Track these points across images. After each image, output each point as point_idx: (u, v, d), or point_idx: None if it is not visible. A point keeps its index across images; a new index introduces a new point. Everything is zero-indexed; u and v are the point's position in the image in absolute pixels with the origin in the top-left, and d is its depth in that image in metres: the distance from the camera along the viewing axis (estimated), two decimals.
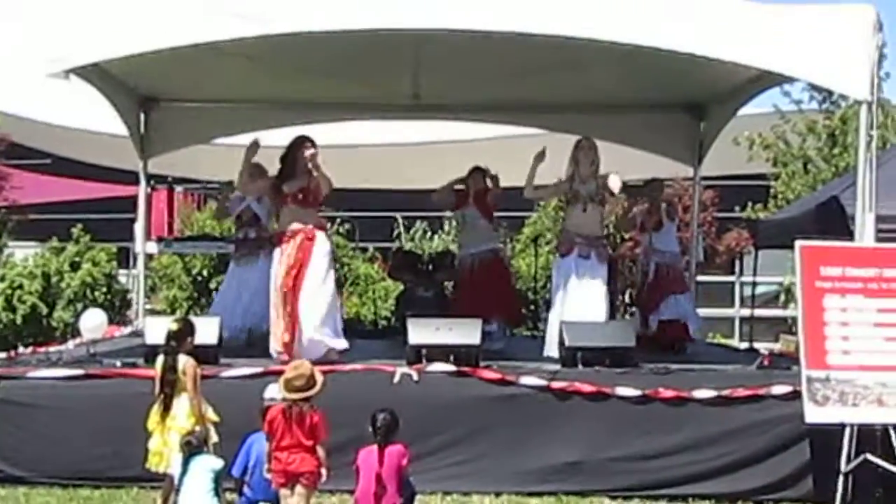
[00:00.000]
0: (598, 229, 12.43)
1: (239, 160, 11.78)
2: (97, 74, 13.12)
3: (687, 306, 13.78)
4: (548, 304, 13.07)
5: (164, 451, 8.57)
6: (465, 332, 10.27)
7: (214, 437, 8.59)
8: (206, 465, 8.09)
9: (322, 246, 11.13)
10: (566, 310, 11.68)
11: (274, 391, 8.74)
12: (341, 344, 10.94)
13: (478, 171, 13.64)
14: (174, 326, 8.86)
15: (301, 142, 11.37)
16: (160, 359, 8.73)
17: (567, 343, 10.39)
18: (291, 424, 8.02)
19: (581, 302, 11.75)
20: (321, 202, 11.55)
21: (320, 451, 8.05)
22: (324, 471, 8.05)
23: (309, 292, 10.88)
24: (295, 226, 11.04)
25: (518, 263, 20.39)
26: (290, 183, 11.25)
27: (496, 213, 13.98)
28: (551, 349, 11.41)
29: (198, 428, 8.43)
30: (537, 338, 13.36)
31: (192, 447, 8.12)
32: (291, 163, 11.32)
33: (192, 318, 9.44)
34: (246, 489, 8.60)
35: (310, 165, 11.15)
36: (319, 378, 8.15)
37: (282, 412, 8.07)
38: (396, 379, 9.83)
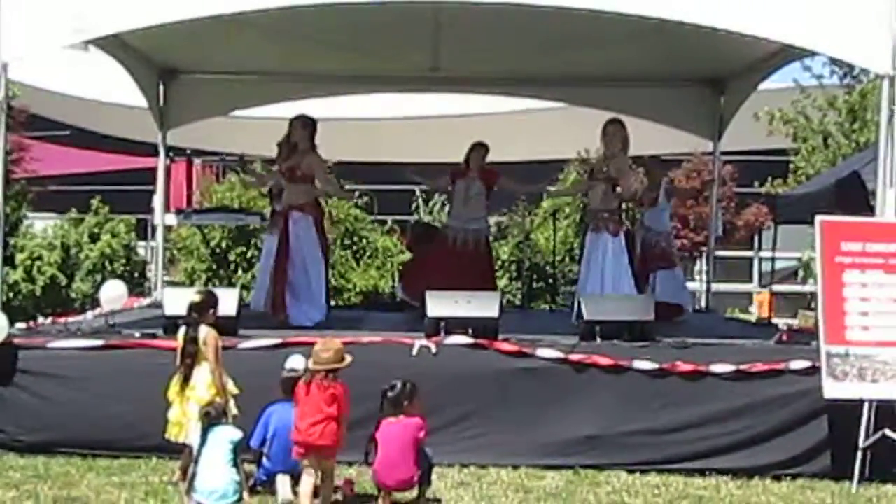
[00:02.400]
0: (614, 204, 12.81)
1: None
2: (117, 46, 13.15)
3: (675, 281, 14.06)
4: (566, 278, 13.15)
5: (183, 421, 8.59)
6: (484, 305, 10.27)
7: (234, 410, 8.61)
8: (225, 436, 8.11)
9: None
10: (601, 282, 12.38)
11: (295, 361, 8.79)
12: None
13: (481, 147, 13.72)
14: (196, 298, 8.88)
15: (292, 121, 12.48)
16: (182, 330, 8.76)
17: (586, 316, 10.38)
18: (314, 394, 8.08)
19: (614, 275, 12.41)
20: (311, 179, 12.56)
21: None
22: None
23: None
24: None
25: (536, 237, 20.39)
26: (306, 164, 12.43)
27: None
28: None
29: (218, 399, 8.47)
30: (555, 311, 13.36)
31: (210, 418, 8.15)
32: (285, 141, 12.44)
33: (212, 290, 9.44)
34: (265, 460, 8.63)
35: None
36: (348, 358, 8.24)
37: (305, 384, 8.14)
38: (415, 351, 9.83)
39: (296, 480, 8.40)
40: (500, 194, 14.47)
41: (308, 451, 8.09)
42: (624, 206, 13.38)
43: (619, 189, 12.60)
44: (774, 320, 15.04)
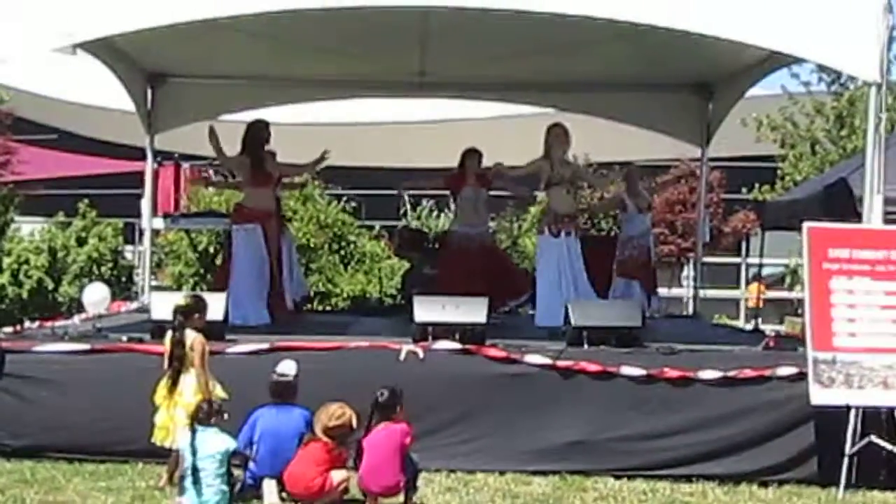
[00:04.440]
0: (575, 208, 13.22)
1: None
2: (105, 49, 13.13)
3: None
4: None
5: (170, 426, 8.59)
6: (471, 311, 10.24)
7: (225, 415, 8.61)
8: (218, 446, 8.08)
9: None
10: (564, 283, 12.41)
11: (286, 367, 8.79)
12: None
13: (475, 153, 13.79)
14: (182, 302, 8.89)
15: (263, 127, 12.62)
16: (168, 333, 8.76)
17: (573, 322, 10.38)
18: (316, 452, 8.34)
19: (573, 277, 12.49)
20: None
21: (338, 475, 8.36)
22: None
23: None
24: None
25: (524, 242, 20.41)
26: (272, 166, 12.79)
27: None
28: (544, 320, 12.28)
29: (224, 396, 8.51)
30: None
31: (201, 412, 8.13)
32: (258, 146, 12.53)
33: (202, 295, 9.43)
34: (251, 464, 8.58)
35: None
36: (355, 421, 8.39)
37: (306, 442, 8.40)
38: (402, 357, 9.81)
39: (282, 485, 8.41)
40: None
41: (298, 497, 8.34)
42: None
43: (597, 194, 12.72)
44: (762, 326, 15.08)
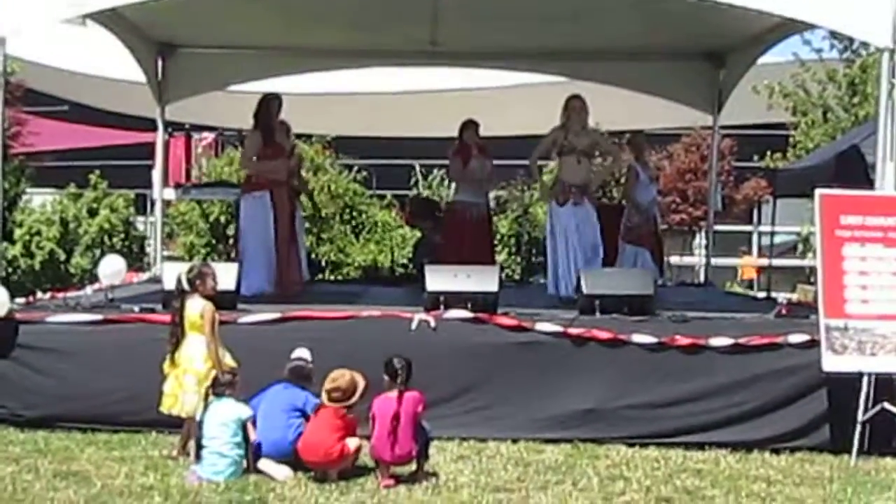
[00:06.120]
0: (588, 178, 12.90)
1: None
2: (114, 20, 13.11)
3: None
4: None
5: (178, 393, 8.61)
6: (483, 279, 10.25)
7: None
8: (232, 414, 8.10)
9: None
10: (570, 254, 12.32)
11: (300, 352, 8.81)
12: None
13: (472, 124, 13.97)
14: (185, 269, 8.89)
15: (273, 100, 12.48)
16: (174, 302, 8.79)
17: (585, 290, 10.37)
18: (327, 419, 8.31)
19: (583, 246, 12.35)
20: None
21: (353, 442, 8.32)
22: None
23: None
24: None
25: (535, 211, 20.40)
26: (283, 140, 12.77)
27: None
28: (556, 288, 12.37)
29: (233, 364, 8.53)
30: None
31: (217, 384, 8.16)
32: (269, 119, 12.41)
33: (211, 264, 9.41)
34: (259, 439, 8.52)
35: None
36: (360, 385, 8.35)
37: (316, 409, 8.39)
38: (414, 325, 9.82)
39: (296, 456, 8.40)
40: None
41: (315, 466, 8.30)
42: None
43: (607, 162, 12.66)
44: (773, 294, 15.07)
